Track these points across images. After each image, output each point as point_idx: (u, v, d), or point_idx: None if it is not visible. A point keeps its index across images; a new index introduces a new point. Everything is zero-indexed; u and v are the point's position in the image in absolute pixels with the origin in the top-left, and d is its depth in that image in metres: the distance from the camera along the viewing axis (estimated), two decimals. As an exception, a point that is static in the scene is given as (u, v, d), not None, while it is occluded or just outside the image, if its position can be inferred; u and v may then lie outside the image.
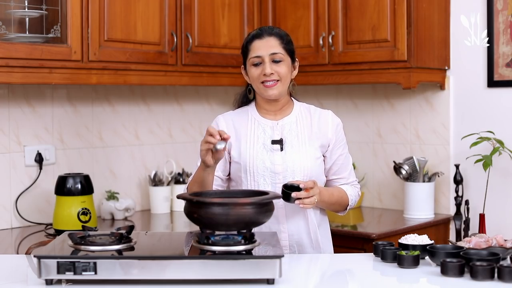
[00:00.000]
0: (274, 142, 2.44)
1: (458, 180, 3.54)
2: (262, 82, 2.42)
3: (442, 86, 3.66)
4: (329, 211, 2.57)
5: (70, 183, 3.16)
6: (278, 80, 2.42)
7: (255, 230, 2.29)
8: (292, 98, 2.55)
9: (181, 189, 3.65)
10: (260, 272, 1.91)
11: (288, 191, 2.28)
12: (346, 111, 3.92)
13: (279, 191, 2.38)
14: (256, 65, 2.43)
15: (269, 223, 2.40)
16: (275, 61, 2.42)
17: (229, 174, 2.52)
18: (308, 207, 2.30)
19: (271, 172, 2.42)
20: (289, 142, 2.45)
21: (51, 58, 2.99)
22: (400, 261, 2.13)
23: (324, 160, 2.51)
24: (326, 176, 2.53)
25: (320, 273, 2.24)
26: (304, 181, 2.30)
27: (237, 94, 2.62)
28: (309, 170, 2.43)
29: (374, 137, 3.92)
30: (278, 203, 2.39)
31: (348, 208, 2.52)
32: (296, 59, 2.51)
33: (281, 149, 2.43)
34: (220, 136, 2.22)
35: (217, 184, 2.48)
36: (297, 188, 2.28)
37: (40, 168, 3.36)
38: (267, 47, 2.42)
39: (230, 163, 2.49)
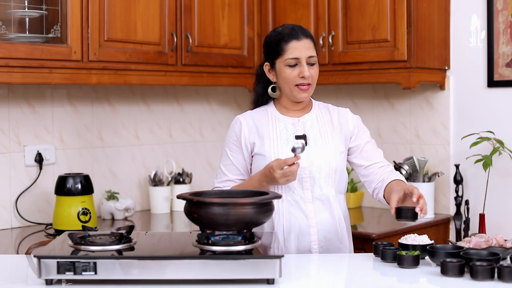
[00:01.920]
0: (298, 137, 2.44)
1: (458, 180, 3.54)
2: (297, 85, 2.43)
3: (442, 86, 3.66)
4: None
5: (70, 183, 3.16)
6: (310, 84, 2.45)
7: (286, 225, 2.38)
8: (310, 97, 2.56)
9: (181, 189, 3.65)
10: (260, 272, 1.91)
11: (409, 207, 2.19)
12: (346, 111, 3.91)
13: (306, 186, 2.42)
14: (291, 66, 2.42)
15: (299, 219, 2.42)
16: (310, 64, 2.44)
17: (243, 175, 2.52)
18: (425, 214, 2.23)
19: None
20: (312, 138, 2.46)
21: (51, 58, 2.99)
22: (400, 261, 2.13)
23: (351, 153, 2.52)
24: (361, 166, 2.51)
25: (320, 273, 2.24)
26: (411, 189, 2.24)
27: (255, 92, 2.59)
28: (334, 164, 2.45)
29: (374, 137, 3.88)
30: (306, 198, 2.42)
31: None
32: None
33: (306, 144, 2.42)
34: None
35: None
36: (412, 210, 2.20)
37: (40, 168, 3.36)
38: (304, 49, 2.42)
39: (251, 163, 2.50)
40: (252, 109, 2.57)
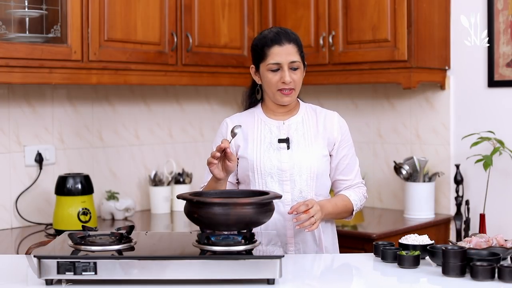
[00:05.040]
0: (280, 140, 2.46)
1: (458, 180, 3.53)
2: (279, 89, 2.43)
3: (442, 86, 3.66)
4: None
5: (70, 183, 3.16)
6: (293, 89, 2.44)
7: (261, 228, 2.34)
8: (298, 99, 2.56)
9: (181, 189, 3.65)
10: (260, 272, 1.91)
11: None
12: (346, 111, 3.92)
13: (286, 188, 2.43)
14: (273, 71, 2.43)
15: (276, 220, 2.43)
16: (293, 69, 2.43)
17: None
18: (312, 228, 2.28)
19: (278, 169, 2.44)
20: (295, 141, 2.47)
21: (51, 58, 2.99)
22: (400, 261, 2.13)
23: (330, 159, 2.53)
24: (331, 177, 2.54)
25: (320, 273, 2.24)
26: (303, 203, 2.29)
27: (244, 93, 2.62)
28: (315, 168, 2.45)
29: (374, 137, 3.92)
30: (285, 201, 2.43)
31: (354, 212, 2.53)
32: (305, 63, 2.52)
33: (288, 147, 2.45)
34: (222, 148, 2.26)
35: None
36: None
37: (40, 168, 3.36)
38: (286, 54, 2.42)
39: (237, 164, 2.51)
40: (241, 111, 2.60)
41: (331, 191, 2.60)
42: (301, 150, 2.46)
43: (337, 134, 2.51)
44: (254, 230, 2.34)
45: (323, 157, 2.48)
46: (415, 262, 2.12)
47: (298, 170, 2.44)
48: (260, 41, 2.48)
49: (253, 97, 2.57)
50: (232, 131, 2.33)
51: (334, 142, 2.51)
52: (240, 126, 2.35)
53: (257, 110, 2.55)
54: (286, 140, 2.46)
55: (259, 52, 2.47)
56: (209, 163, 2.29)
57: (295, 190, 2.44)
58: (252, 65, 2.52)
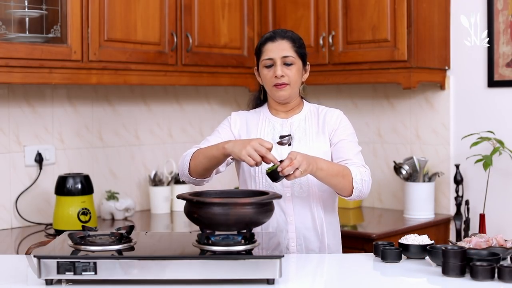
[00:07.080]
0: (282, 137, 2.50)
1: (458, 180, 3.54)
2: (274, 85, 2.48)
3: (442, 86, 3.66)
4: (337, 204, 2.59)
5: (70, 183, 3.16)
6: (287, 84, 2.48)
7: (262, 228, 2.35)
8: (303, 100, 2.61)
9: (181, 189, 3.65)
10: (260, 272, 1.91)
11: (272, 171, 2.21)
12: (346, 111, 3.85)
13: (284, 183, 2.45)
14: (268, 67, 2.49)
15: (277, 216, 2.46)
16: (287, 64, 2.47)
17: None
18: (295, 174, 2.20)
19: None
20: (297, 138, 2.50)
21: (51, 58, 2.99)
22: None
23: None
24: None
25: (320, 273, 2.24)
26: (287, 158, 2.22)
27: (251, 95, 2.71)
28: None
29: (374, 137, 3.92)
30: (286, 196, 2.45)
31: (354, 188, 2.37)
32: (308, 62, 2.57)
33: (289, 144, 2.48)
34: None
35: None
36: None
37: (40, 168, 3.36)
38: (279, 50, 2.48)
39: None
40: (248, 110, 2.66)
41: None
42: (302, 146, 2.48)
43: (333, 123, 2.52)
44: (255, 228, 2.36)
45: (324, 153, 2.48)
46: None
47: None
48: (259, 41, 2.57)
49: (259, 99, 2.64)
50: (280, 137, 2.38)
51: (331, 132, 2.51)
52: (290, 135, 2.36)
53: (263, 109, 2.61)
54: (288, 136, 2.49)
55: (257, 52, 2.55)
56: (257, 154, 2.22)
57: (295, 185, 2.46)
58: (256, 67, 2.58)
